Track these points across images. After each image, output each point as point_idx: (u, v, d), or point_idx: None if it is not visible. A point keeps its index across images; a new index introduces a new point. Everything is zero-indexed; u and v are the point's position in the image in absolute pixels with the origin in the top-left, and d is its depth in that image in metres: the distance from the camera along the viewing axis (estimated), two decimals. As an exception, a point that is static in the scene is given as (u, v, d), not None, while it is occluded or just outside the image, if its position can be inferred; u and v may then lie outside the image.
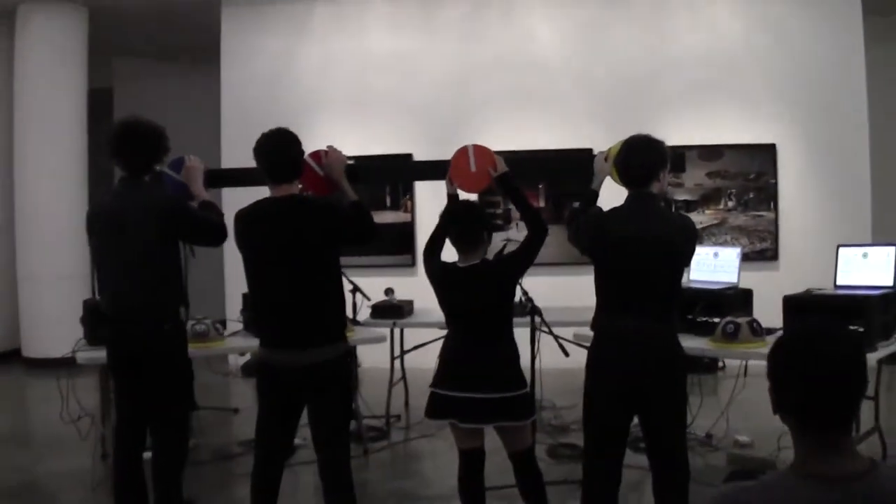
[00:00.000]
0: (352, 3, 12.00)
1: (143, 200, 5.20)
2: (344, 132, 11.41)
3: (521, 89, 11.18)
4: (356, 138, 11.10)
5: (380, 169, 6.39)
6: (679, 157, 5.53)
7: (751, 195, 10.77)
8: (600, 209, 5.04)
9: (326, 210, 4.93)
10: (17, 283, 12.50)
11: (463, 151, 5.50)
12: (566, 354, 5.58)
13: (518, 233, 11.02)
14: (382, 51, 11.83)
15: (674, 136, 9.85)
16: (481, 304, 5.02)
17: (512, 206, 10.91)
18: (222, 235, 5.30)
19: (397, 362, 8.78)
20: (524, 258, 5.09)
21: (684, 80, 10.92)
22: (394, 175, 7.20)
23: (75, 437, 7.16)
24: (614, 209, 4.85)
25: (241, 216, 5.00)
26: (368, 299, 8.07)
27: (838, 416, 2.15)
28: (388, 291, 8.23)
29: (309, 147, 5.22)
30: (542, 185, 10.97)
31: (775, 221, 10.72)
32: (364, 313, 8.13)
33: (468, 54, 11.57)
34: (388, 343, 8.38)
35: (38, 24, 12.53)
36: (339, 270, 5.01)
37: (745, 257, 9.90)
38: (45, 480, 7.12)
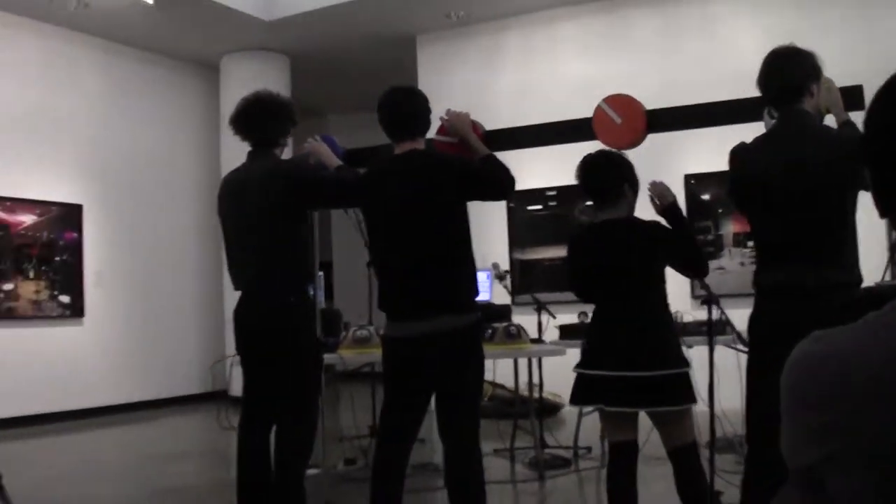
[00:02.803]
0: (542, 29, 11.73)
1: (264, 168, 4.95)
2: (541, 161, 11.00)
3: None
4: (554, 167, 10.63)
5: (515, 133, 5.82)
6: (856, 91, 4.62)
7: None
8: (744, 143, 4.26)
9: (454, 162, 4.44)
10: (225, 326, 12.62)
11: (598, 110, 4.89)
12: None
13: (731, 260, 10.24)
14: (577, 76, 11.37)
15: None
16: (625, 263, 4.33)
17: (723, 232, 10.22)
18: (349, 193, 4.88)
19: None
20: (676, 251, 4.39)
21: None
22: (530, 140, 6.59)
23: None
24: (758, 137, 4.10)
25: (363, 176, 4.59)
26: (554, 317, 7.50)
27: None
28: (582, 315, 7.57)
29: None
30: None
31: None
32: (551, 334, 7.54)
33: (666, 71, 10.92)
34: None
35: (240, 74, 12.92)
36: (468, 233, 4.43)
37: None
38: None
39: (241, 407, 5.05)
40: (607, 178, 4.44)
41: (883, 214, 1.38)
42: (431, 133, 4.83)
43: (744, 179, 4.02)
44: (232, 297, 11.84)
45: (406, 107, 4.50)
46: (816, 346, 1.35)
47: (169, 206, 13.18)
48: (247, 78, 12.67)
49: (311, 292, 5.09)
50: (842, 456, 1.25)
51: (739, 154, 4.09)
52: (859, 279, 3.82)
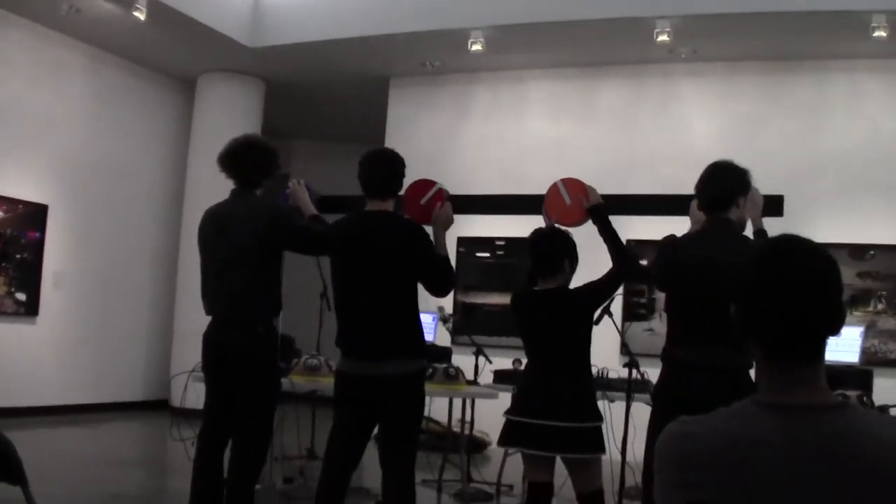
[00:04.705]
0: (511, 87, 12.39)
1: (247, 207, 5.39)
2: (498, 213, 11.49)
3: (678, 182, 10.97)
4: (509, 220, 11.16)
5: (476, 201, 6.43)
6: (777, 201, 5.30)
7: (902, 298, 10.17)
8: (673, 236, 4.90)
9: (417, 236, 4.97)
10: (173, 338, 13.15)
11: (554, 187, 5.50)
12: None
13: (661, 323, 10.83)
14: (539, 135, 12.08)
15: (824, 233, 9.63)
16: (555, 327, 4.95)
17: (657, 296, 10.83)
18: (320, 244, 5.36)
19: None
20: (602, 289, 5.05)
21: (839, 176, 10.59)
22: (488, 209, 7.23)
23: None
24: (687, 234, 4.75)
25: (334, 225, 5.12)
26: (490, 362, 8.01)
27: (808, 341, 1.95)
28: (516, 361, 8.13)
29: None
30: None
31: (927, 328, 10.06)
32: (486, 377, 8.06)
33: (625, 142, 11.65)
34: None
35: (216, 93, 13.41)
36: (416, 290, 5.00)
37: (894, 364, 9.49)
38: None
39: (203, 421, 5.46)
40: (551, 252, 5.05)
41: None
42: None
43: (671, 267, 4.64)
44: (182, 313, 12.41)
45: (385, 171, 5.05)
46: (681, 427, 1.98)
47: (132, 216, 13.46)
48: (222, 97, 13.21)
49: (277, 324, 5.59)
50: None
51: (670, 245, 4.73)
52: (751, 362, 4.45)
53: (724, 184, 4.60)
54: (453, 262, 5.38)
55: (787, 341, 1.96)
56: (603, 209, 5.28)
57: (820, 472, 1.81)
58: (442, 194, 5.40)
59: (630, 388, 6.21)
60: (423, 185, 5.42)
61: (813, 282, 1.96)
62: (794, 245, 2.04)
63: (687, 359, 4.44)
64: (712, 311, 4.32)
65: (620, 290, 5.49)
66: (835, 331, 1.98)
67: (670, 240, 4.79)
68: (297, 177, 5.99)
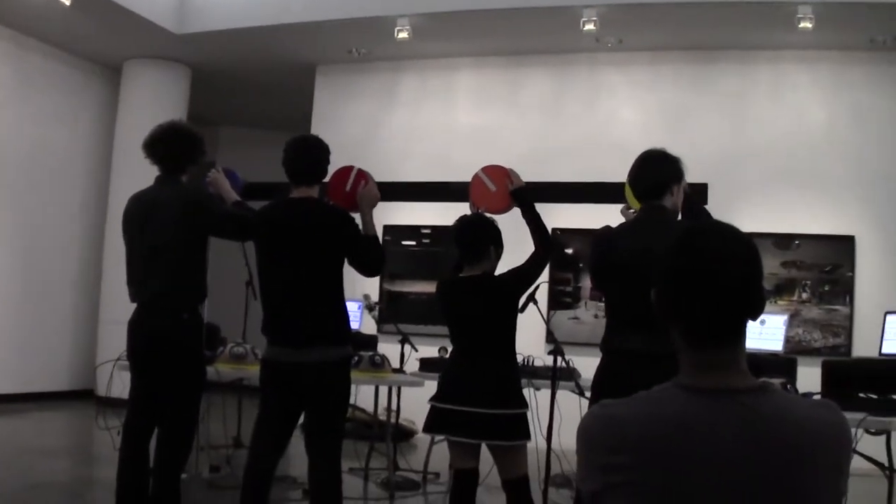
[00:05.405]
0: (438, 74, 12.39)
1: (171, 193, 5.35)
2: (424, 201, 11.52)
3: (603, 171, 11.06)
4: (430, 207, 11.19)
5: (406, 188, 6.41)
6: (701, 189, 5.34)
7: (826, 288, 10.34)
8: (609, 227, 4.91)
9: (342, 220, 4.97)
10: (99, 327, 12.91)
11: (476, 177, 5.50)
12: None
13: (586, 312, 10.92)
14: (466, 123, 12.08)
15: (750, 222, 9.74)
16: (480, 314, 4.95)
17: (581, 285, 10.91)
18: (244, 229, 5.31)
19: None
20: (526, 273, 5.05)
21: (764, 166, 10.72)
22: (417, 196, 7.22)
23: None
24: (622, 224, 4.76)
25: (259, 212, 5.09)
26: (416, 350, 8.01)
27: (728, 324, 1.96)
28: (442, 350, 8.12)
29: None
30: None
31: (850, 317, 10.22)
32: (412, 365, 8.06)
33: (551, 132, 11.66)
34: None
35: (141, 79, 13.23)
36: (342, 276, 5.00)
37: (817, 352, 9.63)
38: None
39: (128, 409, 5.41)
40: (476, 239, 5.05)
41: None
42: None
43: (607, 259, 4.64)
44: (108, 301, 12.19)
45: (309, 158, 5.03)
46: (604, 410, 1.98)
47: (57, 203, 13.19)
48: (147, 84, 13.06)
49: (202, 311, 5.54)
50: (618, 487, 1.86)
51: (606, 237, 4.73)
52: None
53: (656, 173, 4.57)
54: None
55: (707, 324, 1.97)
56: (527, 192, 5.30)
57: (742, 453, 1.82)
58: (363, 174, 5.36)
59: (555, 376, 6.24)
60: (344, 171, 5.39)
61: (733, 265, 1.97)
62: (714, 230, 2.07)
63: (626, 346, 4.44)
64: (649, 299, 4.38)
65: (545, 277, 5.50)
66: (754, 315, 2.00)
67: (606, 231, 4.79)
68: (223, 164, 5.96)
